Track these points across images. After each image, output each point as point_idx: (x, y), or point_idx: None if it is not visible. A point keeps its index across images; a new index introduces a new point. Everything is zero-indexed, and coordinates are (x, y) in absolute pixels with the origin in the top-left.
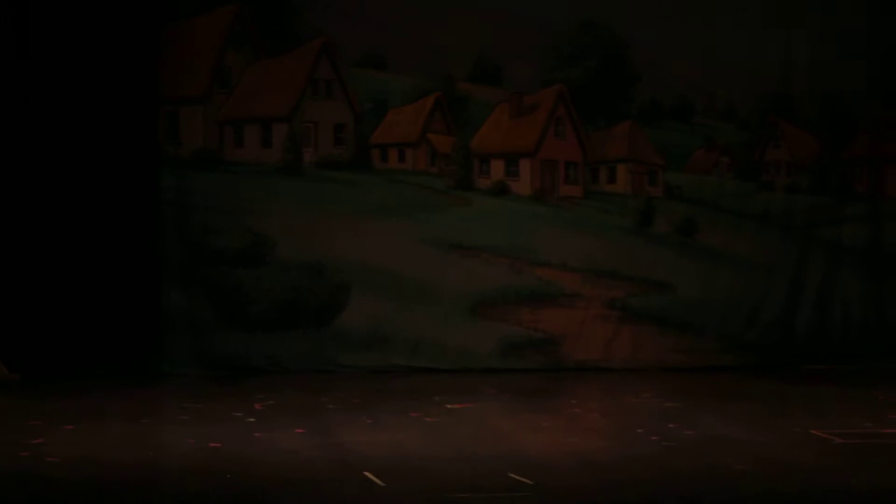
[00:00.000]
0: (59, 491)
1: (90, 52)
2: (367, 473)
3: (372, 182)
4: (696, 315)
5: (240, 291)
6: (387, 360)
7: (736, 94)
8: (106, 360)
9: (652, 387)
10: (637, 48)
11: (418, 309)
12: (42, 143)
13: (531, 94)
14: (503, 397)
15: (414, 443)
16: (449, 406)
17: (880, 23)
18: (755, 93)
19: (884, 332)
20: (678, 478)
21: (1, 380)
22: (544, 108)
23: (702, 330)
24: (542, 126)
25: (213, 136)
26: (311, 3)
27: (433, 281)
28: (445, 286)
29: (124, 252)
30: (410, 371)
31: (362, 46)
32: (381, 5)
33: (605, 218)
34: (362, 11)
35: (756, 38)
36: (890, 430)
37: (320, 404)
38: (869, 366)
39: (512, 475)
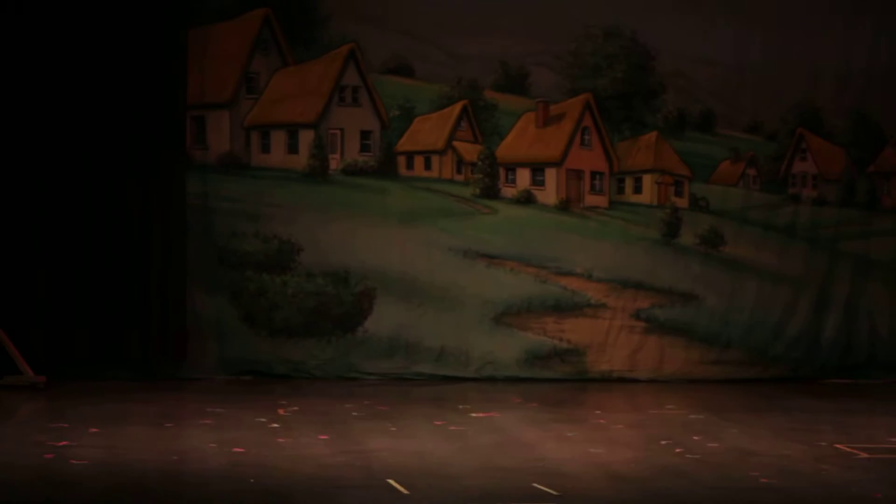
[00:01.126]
0: (82, 494)
1: (119, 57)
2: (390, 481)
3: (398, 189)
4: (722, 327)
5: (265, 297)
6: (411, 368)
7: (762, 105)
8: (130, 364)
9: (677, 398)
10: (663, 58)
11: (443, 317)
12: (70, 148)
13: (557, 104)
14: (528, 407)
15: (438, 451)
16: (473, 415)
17: None
18: (782, 105)
19: None
20: (703, 490)
21: (26, 382)
22: (571, 118)
23: (728, 342)
24: (569, 135)
25: (239, 141)
26: (338, 9)
27: (458, 289)
28: (470, 294)
29: (151, 256)
30: (435, 379)
31: (389, 53)
32: (407, 13)
33: (630, 228)
34: (389, 18)
35: (783, 50)
36: None
37: (344, 411)
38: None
39: (536, 485)
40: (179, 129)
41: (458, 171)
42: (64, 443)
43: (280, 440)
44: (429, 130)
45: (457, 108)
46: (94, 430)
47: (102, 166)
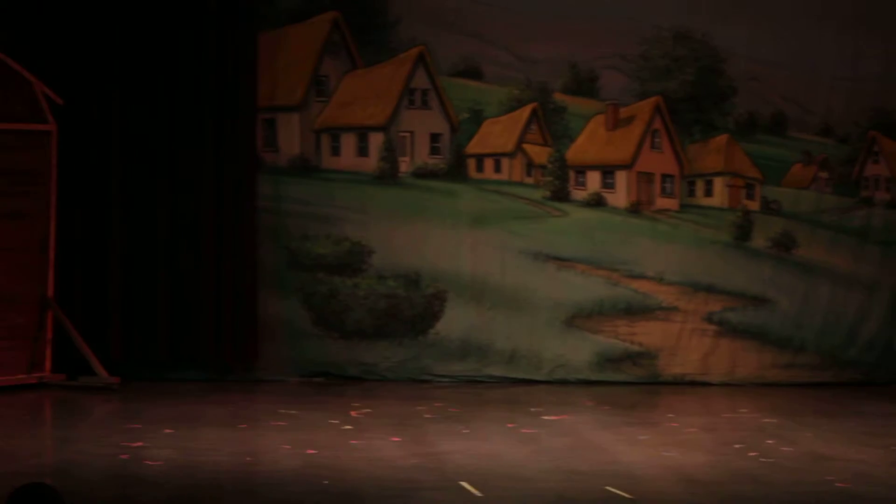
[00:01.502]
0: (157, 494)
1: (191, 61)
2: (463, 483)
3: (468, 192)
4: (795, 331)
5: (336, 299)
6: (483, 371)
7: (834, 108)
8: (204, 366)
9: (750, 402)
10: (733, 61)
11: (514, 320)
12: (144, 151)
13: (627, 106)
14: (600, 410)
15: (510, 454)
16: (545, 417)
17: None
18: (854, 107)
19: None
20: (777, 494)
21: (100, 384)
22: (641, 120)
23: (801, 346)
24: (639, 138)
25: (309, 144)
26: (407, 12)
27: (529, 292)
28: (541, 297)
29: (223, 258)
30: (506, 382)
31: (458, 56)
32: (477, 15)
33: (701, 231)
34: (458, 21)
35: (855, 52)
36: None
37: (416, 413)
38: None
39: (609, 489)
40: (250, 132)
41: (528, 174)
42: (139, 444)
43: (353, 442)
44: (498, 133)
45: (526, 111)
46: (168, 430)
47: (176, 168)
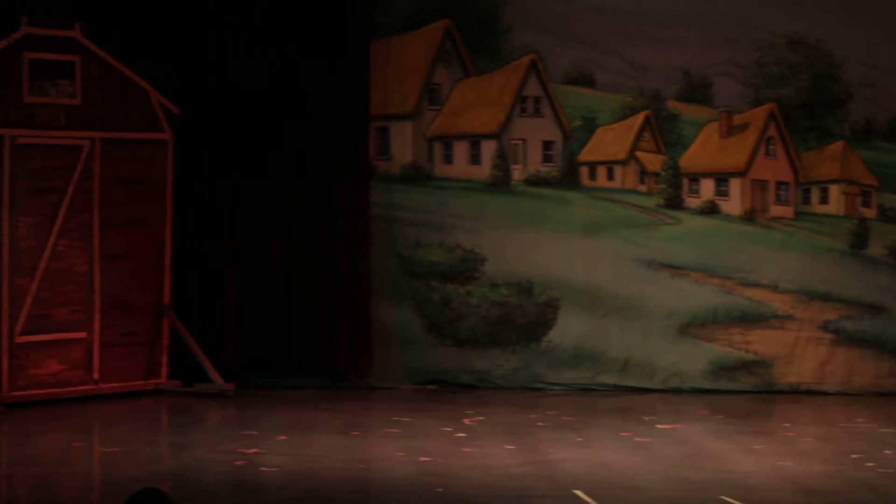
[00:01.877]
0: (272, 500)
1: (305, 70)
2: (577, 492)
3: (581, 200)
4: None
5: (449, 307)
6: (596, 379)
7: None
8: (318, 373)
9: (867, 412)
10: (849, 67)
11: (627, 327)
12: (259, 158)
13: (741, 113)
14: (714, 418)
15: (624, 462)
16: (659, 426)
17: None
18: None
19: None
20: None
21: (216, 390)
22: (755, 128)
23: None
24: (753, 145)
25: (422, 151)
26: (519, 20)
27: (642, 300)
28: (655, 305)
29: (336, 265)
30: (619, 390)
31: (570, 64)
32: (588, 23)
33: (817, 239)
34: (570, 29)
35: None
36: None
37: (530, 421)
38: None
39: (724, 498)
40: (364, 140)
41: (642, 182)
42: (253, 450)
43: (466, 449)
44: (611, 141)
45: (639, 119)
46: (282, 437)
47: (289, 176)
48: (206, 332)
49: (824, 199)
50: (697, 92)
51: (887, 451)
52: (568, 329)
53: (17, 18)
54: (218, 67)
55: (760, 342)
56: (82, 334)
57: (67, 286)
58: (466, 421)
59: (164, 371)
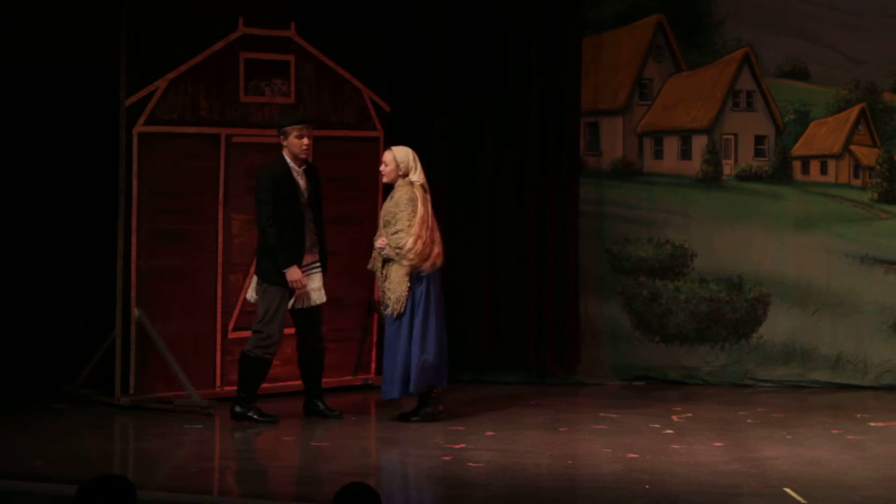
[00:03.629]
0: (479, 496)
1: (515, 65)
2: (787, 490)
3: (793, 194)
4: None
5: (657, 302)
6: (806, 376)
7: None
8: (526, 369)
9: None
10: None
11: (839, 324)
12: (465, 155)
13: None
14: None
15: (835, 460)
16: (872, 424)
17: None
18: None
19: None
20: None
21: None
22: None
23: None
24: None
25: (632, 147)
26: (732, 14)
27: (855, 295)
28: (868, 301)
29: (544, 261)
30: (830, 387)
31: (784, 57)
32: (803, 15)
33: None
34: (784, 22)
35: None
36: None
37: (738, 418)
38: None
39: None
40: (574, 136)
41: (856, 176)
42: (461, 445)
43: (674, 446)
44: (825, 134)
45: (854, 112)
46: (489, 433)
47: (499, 172)
48: None
49: None
50: None
51: None
52: (778, 325)
53: (234, 19)
54: (429, 64)
55: None
56: (292, 330)
57: None
58: (674, 418)
59: (372, 367)
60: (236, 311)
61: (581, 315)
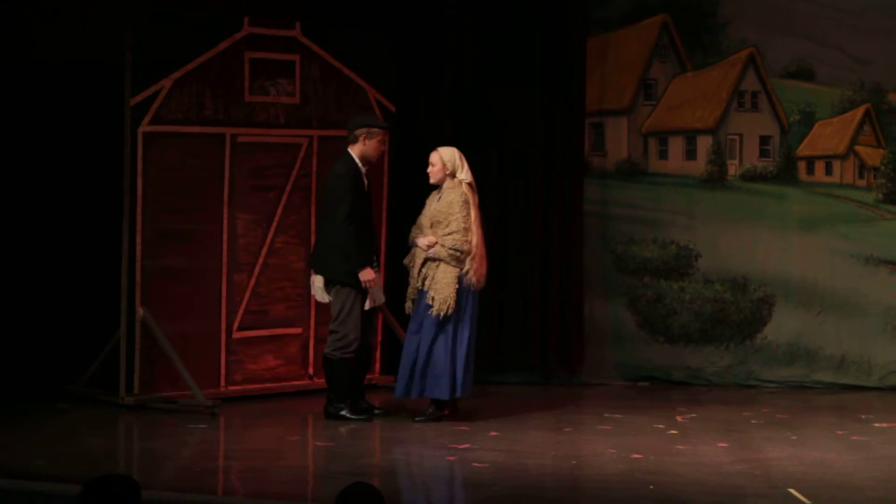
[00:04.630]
0: (483, 496)
1: (520, 65)
2: (791, 491)
3: (798, 195)
4: None
5: (662, 303)
6: (810, 376)
7: None
8: (530, 369)
9: None
10: None
11: (844, 325)
12: (469, 156)
13: None
14: None
15: (840, 461)
16: (877, 425)
17: None
18: None
19: None
20: None
21: None
22: None
23: None
24: None
25: (637, 147)
26: (737, 14)
27: (859, 296)
28: (872, 302)
29: (549, 261)
30: (835, 388)
31: (789, 58)
32: (809, 16)
33: None
34: (790, 22)
35: None
36: None
37: (743, 419)
38: None
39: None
40: (579, 136)
41: (861, 177)
42: (465, 445)
43: (679, 447)
44: (830, 135)
45: (859, 112)
46: (494, 433)
47: (504, 172)
48: None
49: None
50: None
51: None
52: (783, 326)
53: (239, 19)
54: (433, 65)
55: None
56: (298, 330)
57: (284, 282)
58: (679, 418)
59: (377, 366)
60: (241, 311)
61: (585, 315)
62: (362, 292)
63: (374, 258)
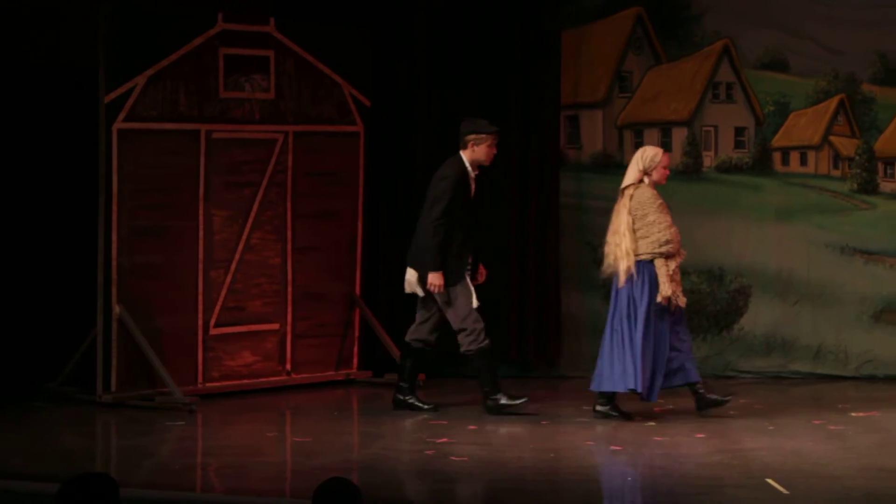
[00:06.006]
0: (462, 490)
1: (497, 59)
2: (769, 480)
3: (773, 186)
4: None
5: None
6: (787, 367)
7: None
8: (506, 362)
9: None
10: None
11: (820, 315)
12: (445, 150)
13: None
14: None
15: (817, 451)
16: (853, 414)
17: None
18: None
19: None
20: None
21: None
22: None
23: None
24: None
25: (612, 139)
26: (712, 6)
27: (835, 286)
28: (848, 291)
29: (525, 255)
30: (812, 378)
31: (763, 49)
32: (783, 7)
33: None
34: (764, 14)
35: None
36: None
37: (720, 410)
38: None
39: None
40: (554, 129)
41: (835, 167)
42: (444, 440)
43: (657, 438)
44: (804, 126)
45: (833, 103)
46: (472, 427)
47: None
48: (397, 323)
49: None
50: (893, 75)
51: None
52: (759, 316)
53: (213, 15)
54: (408, 59)
55: None
56: (275, 326)
57: (261, 278)
58: (657, 409)
59: (355, 362)
60: (217, 308)
61: (563, 309)
62: (463, 283)
63: (468, 263)
